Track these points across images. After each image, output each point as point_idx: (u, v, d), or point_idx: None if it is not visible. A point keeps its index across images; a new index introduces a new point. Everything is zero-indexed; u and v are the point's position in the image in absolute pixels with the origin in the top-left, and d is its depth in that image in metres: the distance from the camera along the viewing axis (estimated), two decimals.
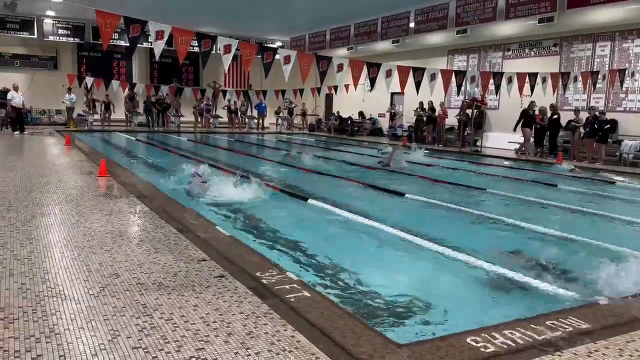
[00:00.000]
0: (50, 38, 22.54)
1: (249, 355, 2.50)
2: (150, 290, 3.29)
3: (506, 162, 13.94)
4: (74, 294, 3.17)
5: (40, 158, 10.50)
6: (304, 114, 25.63)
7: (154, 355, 2.46)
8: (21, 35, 22.05)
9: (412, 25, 19.28)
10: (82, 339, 2.59)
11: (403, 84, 12.45)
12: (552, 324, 3.05)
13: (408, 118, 20.93)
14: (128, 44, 20.32)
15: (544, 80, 14.21)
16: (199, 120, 23.69)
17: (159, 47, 8.41)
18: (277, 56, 10.08)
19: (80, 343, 2.54)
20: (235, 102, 24.02)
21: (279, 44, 26.04)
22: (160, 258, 3.97)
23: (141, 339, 2.61)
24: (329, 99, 26.56)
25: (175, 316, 2.91)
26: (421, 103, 18.71)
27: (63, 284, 3.35)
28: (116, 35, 20.36)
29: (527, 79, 14.16)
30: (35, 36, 22.20)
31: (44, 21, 22.16)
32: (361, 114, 23.90)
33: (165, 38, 8.42)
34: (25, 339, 2.56)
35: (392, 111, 21.95)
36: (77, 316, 2.86)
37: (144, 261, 3.88)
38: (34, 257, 3.87)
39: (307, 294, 3.33)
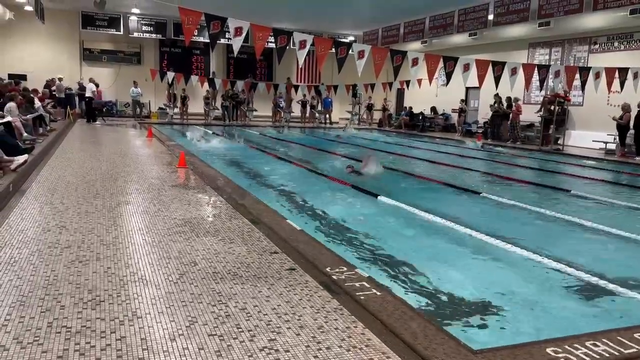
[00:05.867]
0: (135, 34, 23.78)
1: (320, 349, 2.52)
2: (225, 280, 3.38)
3: (584, 162, 13.12)
4: (155, 280, 3.33)
5: (125, 148, 11.08)
6: (385, 109, 25.43)
7: (229, 343, 2.52)
8: (109, 32, 23.44)
9: (490, 17, 18.60)
10: (161, 323, 2.71)
11: (481, 78, 12.00)
12: None
13: (483, 114, 20.23)
14: (206, 40, 21.11)
15: (635, 75, 13.26)
16: (280, 115, 24.23)
17: (237, 43, 8.60)
18: (351, 51, 10.04)
19: (160, 327, 2.66)
20: (305, 95, 24.27)
21: (351, 38, 25.96)
22: (234, 248, 4.08)
23: (217, 327, 2.69)
24: (400, 94, 26.17)
25: (248, 306, 2.98)
26: (499, 97, 17.87)
27: (145, 269, 3.52)
28: (195, 32, 21.07)
29: (616, 75, 13.26)
30: (122, 32, 23.53)
31: (130, 18, 23.41)
32: (433, 109, 23.37)
33: (244, 34, 8.60)
34: (110, 321, 2.71)
35: (461, 107, 21.16)
36: (157, 301, 2.99)
37: (219, 251, 4.00)
38: (118, 243, 4.10)
39: (377, 292, 3.30)
